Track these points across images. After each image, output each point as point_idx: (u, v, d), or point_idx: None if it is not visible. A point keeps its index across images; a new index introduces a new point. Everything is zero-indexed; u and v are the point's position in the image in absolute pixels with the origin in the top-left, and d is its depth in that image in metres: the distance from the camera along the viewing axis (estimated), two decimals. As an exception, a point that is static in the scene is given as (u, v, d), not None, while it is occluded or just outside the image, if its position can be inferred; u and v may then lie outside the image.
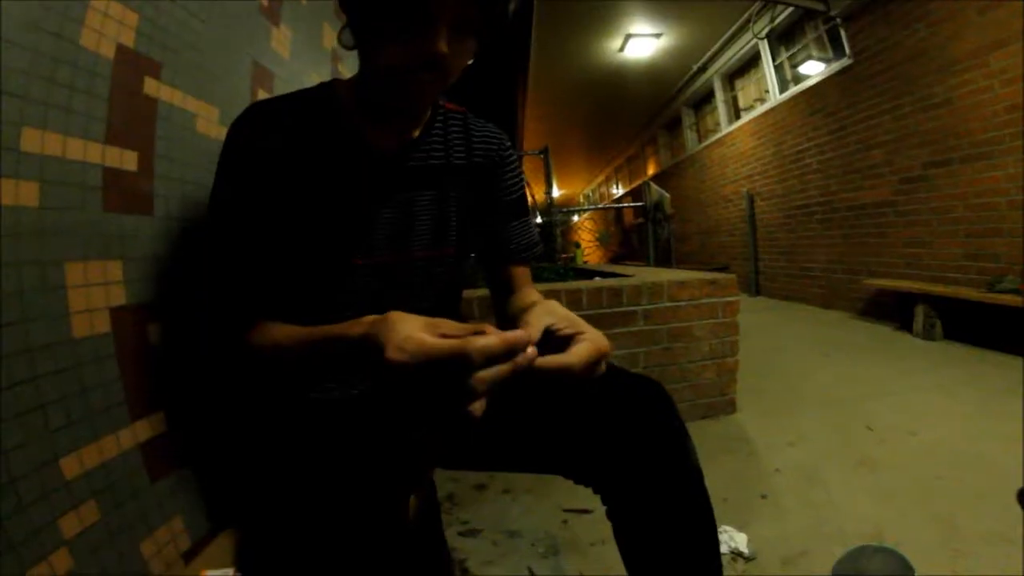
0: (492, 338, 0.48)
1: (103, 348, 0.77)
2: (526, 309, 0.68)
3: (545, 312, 0.63)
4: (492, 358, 0.48)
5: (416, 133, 0.85)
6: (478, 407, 0.49)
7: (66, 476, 0.68)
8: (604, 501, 0.78)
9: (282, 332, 0.72)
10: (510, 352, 0.49)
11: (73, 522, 0.69)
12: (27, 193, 0.66)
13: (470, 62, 0.76)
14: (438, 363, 0.48)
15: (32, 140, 0.67)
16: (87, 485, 0.71)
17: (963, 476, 1.71)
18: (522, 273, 0.99)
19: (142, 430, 0.83)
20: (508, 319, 0.88)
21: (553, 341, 0.60)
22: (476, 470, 0.96)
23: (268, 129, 0.76)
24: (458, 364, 0.47)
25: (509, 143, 0.98)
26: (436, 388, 0.49)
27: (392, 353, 0.49)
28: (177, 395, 0.92)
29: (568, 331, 0.61)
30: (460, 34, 0.69)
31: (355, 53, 0.76)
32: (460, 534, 1.54)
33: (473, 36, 0.72)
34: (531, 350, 0.51)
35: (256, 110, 0.78)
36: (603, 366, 0.60)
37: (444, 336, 0.51)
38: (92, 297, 0.75)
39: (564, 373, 0.54)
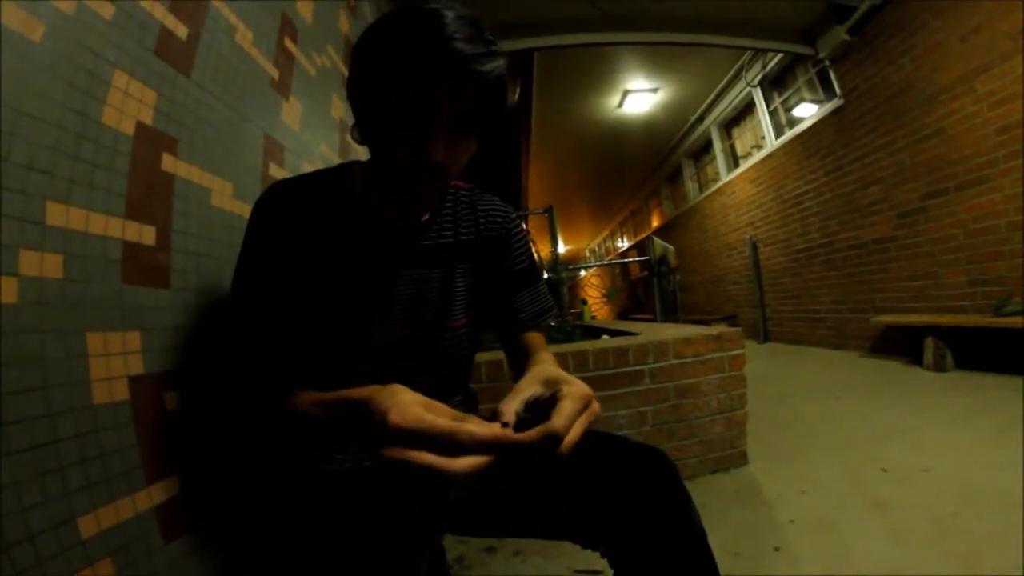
0: (485, 432, 0.53)
1: (121, 414, 0.80)
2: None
3: (530, 382, 0.66)
4: (478, 447, 0.53)
5: (426, 217, 0.90)
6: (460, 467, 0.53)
7: (83, 535, 0.70)
8: (611, 565, 0.78)
9: (304, 399, 0.76)
10: (495, 448, 0.54)
11: (89, 579, 0.70)
12: (51, 265, 0.70)
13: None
14: (430, 437, 0.53)
15: (57, 214, 0.71)
16: (103, 544, 0.73)
17: (980, 511, 1.67)
18: (535, 338, 1.01)
19: (157, 493, 0.85)
20: None
21: (540, 409, 0.62)
22: (484, 536, 0.96)
23: (290, 206, 0.81)
24: (447, 443, 0.53)
25: (514, 215, 1.03)
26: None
27: (394, 417, 0.54)
28: (192, 460, 0.95)
29: (547, 393, 0.64)
30: (459, 137, 0.74)
31: None
32: (470, 595, 1.51)
33: (473, 136, 0.77)
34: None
35: (278, 188, 0.83)
36: (595, 406, 0.62)
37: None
38: (111, 366, 0.79)
39: (551, 441, 0.55)
